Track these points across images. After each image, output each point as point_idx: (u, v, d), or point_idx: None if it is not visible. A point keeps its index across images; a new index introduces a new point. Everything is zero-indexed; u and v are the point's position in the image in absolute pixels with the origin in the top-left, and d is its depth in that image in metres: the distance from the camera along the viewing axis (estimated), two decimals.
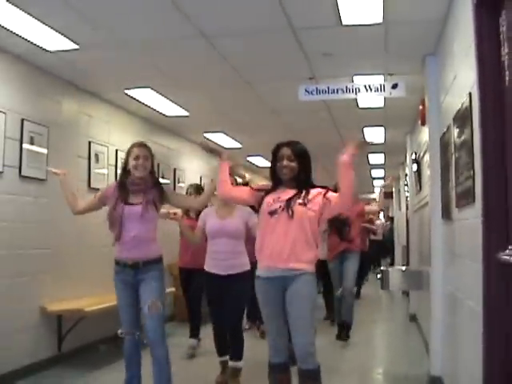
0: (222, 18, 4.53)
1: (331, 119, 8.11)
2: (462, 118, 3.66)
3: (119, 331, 4.24)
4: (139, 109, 7.34)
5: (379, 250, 15.28)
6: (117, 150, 7.10)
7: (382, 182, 16.05)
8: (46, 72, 5.69)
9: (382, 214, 21.73)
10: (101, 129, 6.86)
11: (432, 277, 5.13)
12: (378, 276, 7.24)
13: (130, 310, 4.21)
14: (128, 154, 4.30)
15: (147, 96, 6.77)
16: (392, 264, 14.66)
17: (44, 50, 5.08)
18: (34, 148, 5.51)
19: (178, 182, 9.16)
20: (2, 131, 5.06)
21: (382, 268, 7.06)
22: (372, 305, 10.71)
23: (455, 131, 4.00)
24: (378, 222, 15.49)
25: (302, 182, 3.78)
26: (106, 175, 6.83)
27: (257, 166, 12.95)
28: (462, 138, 3.68)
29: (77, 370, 5.54)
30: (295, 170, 3.75)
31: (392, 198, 16.57)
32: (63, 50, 5.11)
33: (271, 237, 3.67)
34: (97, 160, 6.69)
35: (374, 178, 16.71)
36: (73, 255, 5.99)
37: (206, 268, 5.03)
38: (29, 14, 4.32)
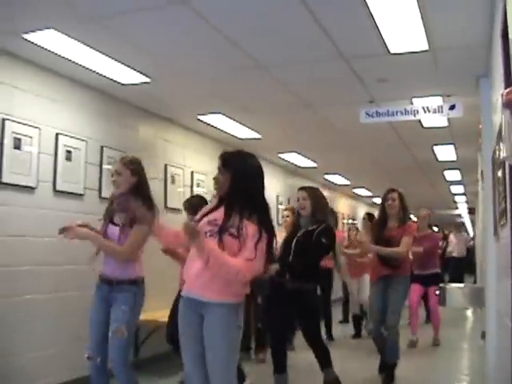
0: (277, 51, 4.88)
1: (399, 138, 8.28)
2: (498, 136, 3.80)
3: (85, 354, 4.02)
4: (213, 132, 7.80)
5: (457, 268, 14.60)
6: (192, 172, 7.59)
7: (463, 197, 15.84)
8: (123, 102, 6.23)
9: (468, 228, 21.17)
10: (176, 152, 7.36)
11: (486, 294, 5.22)
12: (437, 292, 6.84)
13: (99, 329, 4.00)
14: None
15: (219, 121, 7.22)
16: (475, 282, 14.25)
17: (119, 83, 5.61)
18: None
19: None
20: (83, 157, 5.62)
21: (440, 285, 6.88)
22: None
23: (497, 150, 4.15)
24: (452, 237, 15.12)
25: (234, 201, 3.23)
26: (181, 195, 7.28)
27: (335, 183, 13.18)
28: (500, 156, 3.82)
29: (153, 376, 5.93)
30: (224, 184, 3.24)
31: (474, 213, 16.34)
32: (136, 84, 5.63)
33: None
34: (173, 181, 7.19)
35: (455, 194, 16.47)
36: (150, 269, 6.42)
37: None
38: (103, 53, 4.84)
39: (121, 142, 6.17)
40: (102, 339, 3.96)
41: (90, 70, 5.22)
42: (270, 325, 5.24)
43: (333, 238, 5.15)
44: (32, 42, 4.59)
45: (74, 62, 5.04)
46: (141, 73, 5.37)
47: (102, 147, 5.91)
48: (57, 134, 5.32)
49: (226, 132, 7.76)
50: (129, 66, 5.20)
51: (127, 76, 5.44)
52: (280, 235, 5.81)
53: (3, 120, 4.80)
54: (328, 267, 7.71)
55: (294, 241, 4.98)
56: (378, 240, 5.73)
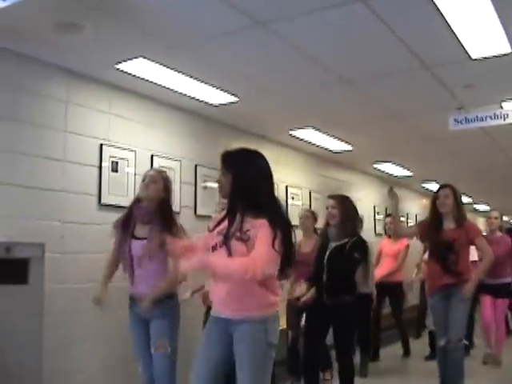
0: (359, 65, 4.94)
1: (493, 142, 8.06)
2: None
3: (139, 368, 4.09)
4: (305, 146, 7.93)
5: None
6: (286, 186, 7.74)
7: None
8: (214, 121, 6.47)
9: None
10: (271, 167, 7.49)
11: None
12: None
13: (144, 346, 3.99)
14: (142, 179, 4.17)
15: (310, 135, 7.34)
16: None
17: (210, 104, 5.85)
18: (207, 191, 6.32)
19: None
20: (178, 177, 5.89)
21: None
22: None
23: None
24: None
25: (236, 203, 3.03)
26: None
27: (432, 191, 12.92)
28: None
29: None
30: (226, 186, 3.06)
31: None
32: (225, 103, 5.85)
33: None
34: None
35: None
36: None
37: None
38: (192, 77, 5.09)
39: (214, 160, 6.34)
40: (149, 355, 3.95)
41: (181, 93, 5.49)
42: (305, 338, 5.08)
43: (366, 251, 5.07)
44: (125, 72, 4.90)
45: (165, 87, 5.32)
46: (229, 93, 5.58)
47: (195, 166, 6.17)
48: (152, 156, 5.62)
49: (317, 145, 7.87)
50: (217, 88, 5.41)
51: (216, 97, 5.66)
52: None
53: (101, 145, 5.15)
54: (398, 280, 7.71)
55: (326, 258, 4.83)
56: (437, 245, 5.20)
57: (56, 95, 4.86)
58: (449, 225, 5.16)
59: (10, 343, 3.80)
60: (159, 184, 4.08)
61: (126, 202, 5.24)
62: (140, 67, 4.81)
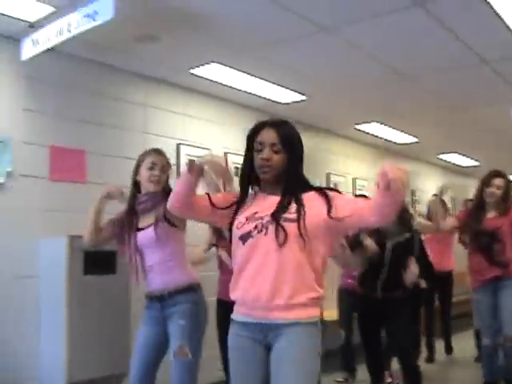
0: (421, 61, 5.13)
1: None
2: None
3: None
4: (371, 139, 8.14)
5: None
6: (354, 179, 7.98)
7: None
8: (282, 118, 6.73)
9: None
10: (337, 160, 7.79)
11: None
12: None
13: (144, 353, 3.34)
14: (139, 164, 3.49)
15: (376, 128, 7.55)
16: None
17: (278, 102, 6.15)
18: None
19: (416, 203, 9.61)
20: None
21: None
22: None
23: None
24: None
25: (291, 183, 2.49)
26: None
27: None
28: None
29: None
30: (281, 164, 2.46)
31: None
32: (293, 102, 6.14)
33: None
34: None
35: None
36: None
37: None
38: (262, 78, 5.44)
39: None
40: (145, 367, 3.32)
41: (251, 93, 5.82)
42: (364, 341, 4.63)
43: (423, 246, 4.98)
44: (198, 76, 5.27)
45: (235, 88, 5.66)
46: (297, 92, 5.88)
47: None
48: (225, 153, 5.95)
49: (383, 138, 8.05)
50: (285, 87, 5.73)
51: (284, 95, 5.98)
52: None
53: (178, 144, 5.53)
54: (450, 269, 6.98)
55: (386, 254, 4.40)
56: (479, 235, 4.79)
57: (136, 100, 5.29)
58: (491, 213, 4.81)
59: (104, 328, 4.20)
60: (167, 173, 3.52)
61: None
62: (212, 71, 5.17)
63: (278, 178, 2.48)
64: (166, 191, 3.23)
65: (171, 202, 2.55)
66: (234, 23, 4.20)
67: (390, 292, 4.39)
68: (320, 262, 2.43)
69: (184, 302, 3.29)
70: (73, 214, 4.45)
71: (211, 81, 5.42)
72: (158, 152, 3.52)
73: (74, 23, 3.70)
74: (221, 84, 5.52)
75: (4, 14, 3.87)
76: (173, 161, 5.37)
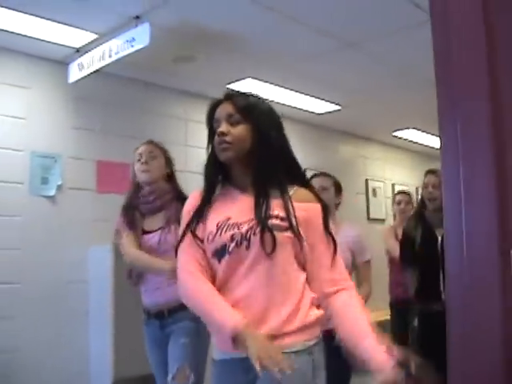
0: None
1: None
2: None
3: None
4: (409, 145, 8.28)
5: None
6: (393, 184, 8.14)
7: None
8: (319, 127, 7.02)
9: None
10: (376, 167, 7.96)
11: None
12: None
13: (163, 376, 2.94)
14: (132, 163, 3.23)
15: (413, 134, 7.70)
16: None
17: (315, 113, 6.41)
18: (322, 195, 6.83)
19: None
20: None
21: None
22: None
23: None
24: None
25: (263, 168, 1.93)
26: (383, 207, 7.90)
27: None
28: None
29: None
30: (244, 138, 1.93)
31: None
32: (329, 112, 6.39)
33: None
34: (374, 194, 7.80)
35: None
36: None
37: None
38: (297, 91, 5.72)
39: (321, 162, 6.89)
40: None
41: (289, 106, 6.08)
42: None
43: None
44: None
45: (273, 102, 5.92)
46: (332, 102, 6.12)
47: (307, 171, 6.70)
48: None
49: (422, 144, 8.18)
50: (320, 98, 5.97)
51: (320, 106, 6.22)
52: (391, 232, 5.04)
53: None
54: None
55: (441, 246, 3.65)
56: None
57: (177, 114, 5.64)
58: None
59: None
60: (160, 159, 3.22)
61: None
62: (248, 86, 5.45)
63: (246, 161, 1.94)
64: (178, 190, 3.13)
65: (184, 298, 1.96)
66: (266, 41, 4.48)
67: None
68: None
69: (186, 318, 2.82)
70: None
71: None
72: (145, 143, 3.27)
73: (115, 48, 4.05)
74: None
75: (53, 42, 4.24)
76: None
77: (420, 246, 3.84)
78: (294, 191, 1.95)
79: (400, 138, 7.81)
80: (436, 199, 3.72)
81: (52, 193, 4.67)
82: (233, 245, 1.84)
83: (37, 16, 3.87)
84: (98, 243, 4.64)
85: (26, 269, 4.40)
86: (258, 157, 1.92)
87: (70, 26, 4.05)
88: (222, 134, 1.92)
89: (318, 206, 1.97)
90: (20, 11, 3.80)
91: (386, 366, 1.67)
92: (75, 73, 4.47)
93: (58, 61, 4.59)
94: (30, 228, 4.49)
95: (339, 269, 1.95)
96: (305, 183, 2.04)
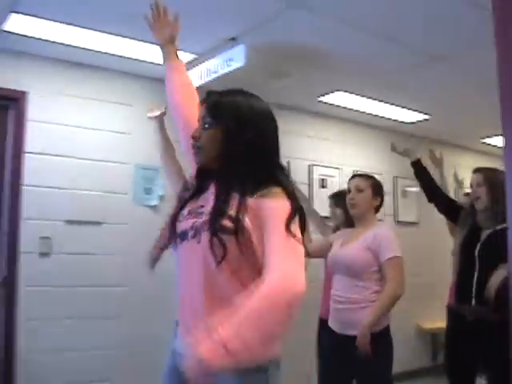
0: None
1: None
2: None
3: None
4: (499, 151, 8.14)
5: None
6: None
7: None
8: (408, 136, 7.04)
9: None
10: (466, 173, 7.88)
11: None
12: None
13: None
14: None
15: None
16: None
17: (404, 122, 6.52)
18: (406, 199, 7.00)
19: None
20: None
21: None
22: None
23: None
24: None
25: (228, 167, 1.86)
26: None
27: None
28: None
29: None
30: (213, 142, 1.88)
31: None
32: (419, 121, 6.50)
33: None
34: None
35: None
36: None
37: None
38: (387, 102, 5.85)
39: (410, 170, 7.00)
40: None
41: (376, 115, 6.25)
42: (449, 368, 3.77)
43: None
44: (326, 103, 5.79)
45: (362, 112, 6.10)
46: (420, 112, 6.23)
47: (394, 178, 6.85)
48: (353, 172, 6.39)
49: None
50: (408, 109, 6.09)
51: (409, 116, 6.35)
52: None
53: (310, 166, 6.06)
54: None
55: (478, 249, 3.48)
56: None
57: None
58: None
59: None
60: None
61: None
62: (339, 98, 5.67)
63: (220, 162, 1.88)
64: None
65: None
66: (355, 57, 4.65)
67: (483, 309, 3.36)
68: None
69: None
70: None
71: (338, 106, 5.92)
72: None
73: (213, 68, 4.34)
74: (348, 108, 6.00)
75: (155, 63, 4.55)
76: (305, 180, 5.95)
77: (461, 246, 3.69)
78: (265, 191, 1.77)
79: (489, 144, 7.76)
80: (479, 197, 3.56)
81: (154, 202, 5.03)
82: (191, 233, 1.79)
83: (139, 40, 4.22)
84: None
85: (132, 273, 4.72)
86: (223, 158, 1.85)
87: None
88: (193, 138, 1.91)
89: (279, 204, 1.74)
90: (125, 36, 4.18)
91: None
92: None
93: (157, 79, 4.89)
94: (135, 235, 4.81)
95: (272, 267, 1.63)
96: (279, 183, 1.81)
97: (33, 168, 4.47)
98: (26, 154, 4.47)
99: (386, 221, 6.56)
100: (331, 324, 3.52)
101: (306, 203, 4.41)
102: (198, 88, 4.46)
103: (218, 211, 1.74)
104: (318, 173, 6.13)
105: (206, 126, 1.88)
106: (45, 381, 4.34)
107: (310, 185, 6.00)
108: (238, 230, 1.70)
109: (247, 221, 1.72)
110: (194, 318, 1.77)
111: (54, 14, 3.81)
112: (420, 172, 4.24)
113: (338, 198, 4.33)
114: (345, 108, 6.01)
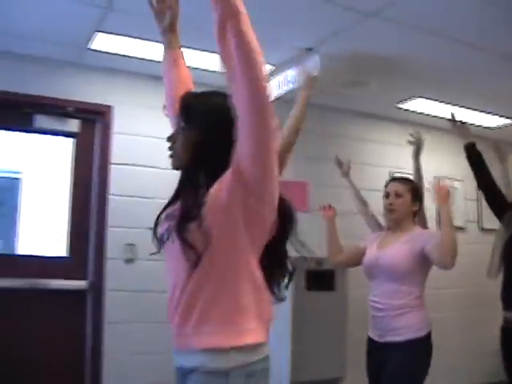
0: None
1: None
2: None
3: None
4: None
5: None
6: None
7: None
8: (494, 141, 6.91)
9: None
10: None
11: None
12: None
13: None
14: None
15: None
16: None
17: (487, 127, 6.39)
18: None
19: None
20: (463, 195, 6.50)
21: None
22: None
23: None
24: None
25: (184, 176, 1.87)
26: None
27: None
28: None
29: None
30: (186, 147, 1.83)
31: None
32: (503, 125, 6.36)
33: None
34: None
35: None
36: None
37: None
38: (468, 107, 5.75)
39: (495, 174, 6.84)
40: None
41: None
42: None
43: None
44: (406, 109, 5.79)
45: (445, 118, 5.96)
46: (502, 116, 6.12)
47: None
48: (434, 178, 6.29)
49: None
50: (492, 113, 6.01)
51: (492, 120, 6.24)
52: None
53: (390, 173, 6.04)
54: None
55: None
56: None
57: (351, 134, 6.00)
58: None
59: (322, 337, 4.78)
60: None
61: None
62: (418, 104, 5.64)
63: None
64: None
65: None
66: (432, 63, 4.63)
67: None
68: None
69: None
70: None
71: (418, 113, 5.89)
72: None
73: (290, 78, 4.42)
74: (427, 115, 5.96)
75: None
76: None
77: (505, 248, 3.64)
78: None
79: None
80: None
81: None
82: (166, 235, 1.78)
83: (212, 52, 4.31)
84: None
85: None
86: (193, 159, 1.81)
87: None
88: (168, 141, 1.90)
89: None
90: (195, 49, 4.26)
91: None
92: None
93: None
94: None
95: None
96: None
97: (118, 178, 4.70)
98: (112, 165, 4.71)
99: (468, 228, 6.44)
100: (371, 333, 3.42)
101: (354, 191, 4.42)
102: (276, 99, 4.63)
103: (184, 211, 1.71)
104: None
105: (180, 129, 1.85)
106: (129, 382, 4.53)
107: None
108: (203, 227, 1.64)
109: (214, 216, 1.66)
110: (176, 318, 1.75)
111: (135, 32, 4.05)
112: (473, 156, 4.03)
113: None
114: (425, 114, 5.96)
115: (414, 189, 3.58)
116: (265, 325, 1.76)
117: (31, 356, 4.29)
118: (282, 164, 2.42)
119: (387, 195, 3.55)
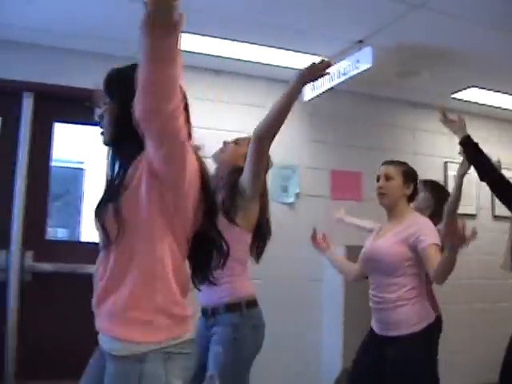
0: None
1: None
2: None
3: None
4: None
5: None
6: None
7: None
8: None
9: None
10: None
11: None
12: None
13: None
14: None
15: None
16: None
17: None
18: None
19: None
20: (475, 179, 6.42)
21: None
22: None
23: None
24: None
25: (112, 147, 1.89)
26: None
27: None
28: None
29: None
30: (110, 119, 1.86)
31: None
32: None
33: None
34: None
35: None
36: None
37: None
38: None
39: None
40: None
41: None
42: None
43: None
44: (460, 99, 5.77)
45: (501, 108, 6.01)
46: None
47: None
48: (445, 163, 6.23)
49: None
50: None
51: None
52: None
53: (445, 162, 6.06)
54: None
55: None
56: None
57: (405, 125, 6.04)
58: None
59: None
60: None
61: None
62: (473, 94, 5.64)
63: None
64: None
65: None
66: (485, 53, 4.64)
67: None
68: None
69: (225, 323, 2.70)
70: (350, 227, 4.88)
71: (473, 102, 5.86)
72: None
73: (343, 70, 4.53)
74: (482, 104, 5.94)
75: (290, 67, 4.76)
76: (440, 177, 5.93)
77: None
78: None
79: None
80: None
81: (291, 200, 5.28)
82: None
83: (276, 47, 4.58)
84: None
85: (267, 266, 4.95)
86: (118, 131, 1.82)
87: (305, 53, 4.64)
88: (98, 118, 1.90)
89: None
90: (263, 45, 4.52)
91: None
92: (309, 92, 5.00)
93: (285, 81, 5.11)
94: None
95: None
96: None
97: None
98: None
99: (480, 215, 6.33)
100: (373, 325, 3.32)
101: None
102: (328, 89, 4.72)
103: (105, 192, 1.81)
104: (453, 169, 6.06)
105: (104, 105, 1.85)
106: None
107: (445, 182, 5.97)
108: (119, 216, 1.67)
109: (130, 205, 1.69)
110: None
111: (196, 29, 4.15)
112: (470, 152, 3.73)
113: (426, 183, 4.15)
114: (480, 104, 5.93)
115: (406, 171, 3.39)
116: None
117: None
118: (262, 153, 2.74)
119: (378, 179, 3.39)
